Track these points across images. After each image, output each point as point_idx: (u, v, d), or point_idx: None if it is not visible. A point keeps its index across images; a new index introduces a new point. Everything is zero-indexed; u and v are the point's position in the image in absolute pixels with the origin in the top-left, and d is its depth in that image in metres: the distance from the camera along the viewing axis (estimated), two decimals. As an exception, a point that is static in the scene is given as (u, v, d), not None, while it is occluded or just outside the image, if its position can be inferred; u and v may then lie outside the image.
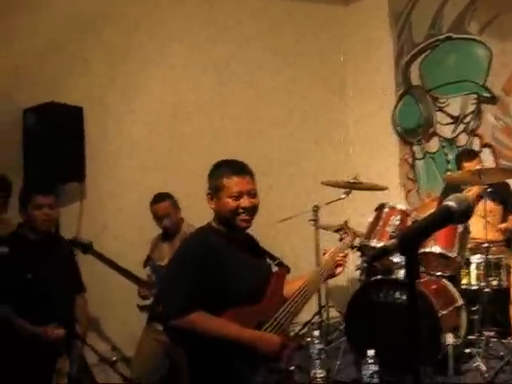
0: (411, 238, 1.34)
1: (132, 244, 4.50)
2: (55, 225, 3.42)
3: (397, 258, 4.02)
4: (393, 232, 4.12)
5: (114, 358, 3.81)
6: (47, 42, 4.47)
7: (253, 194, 2.56)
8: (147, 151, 4.97)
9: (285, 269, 2.79)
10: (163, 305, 2.60)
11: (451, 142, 5.64)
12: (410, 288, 1.31)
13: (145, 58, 4.99)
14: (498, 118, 5.28)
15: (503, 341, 4.07)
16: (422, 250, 4.05)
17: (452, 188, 4.50)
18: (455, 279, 4.25)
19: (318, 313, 4.70)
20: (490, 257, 4.08)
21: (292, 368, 2.71)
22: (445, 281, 4.15)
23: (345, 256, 2.81)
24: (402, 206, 4.36)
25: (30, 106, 4.28)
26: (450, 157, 5.59)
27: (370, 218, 4.30)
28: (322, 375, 3.27)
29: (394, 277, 4.03)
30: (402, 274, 4.01)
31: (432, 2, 5.66)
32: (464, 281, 4.26)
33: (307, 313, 4.64)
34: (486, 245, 4.05)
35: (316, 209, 4.58)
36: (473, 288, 4.21)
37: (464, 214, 1.39)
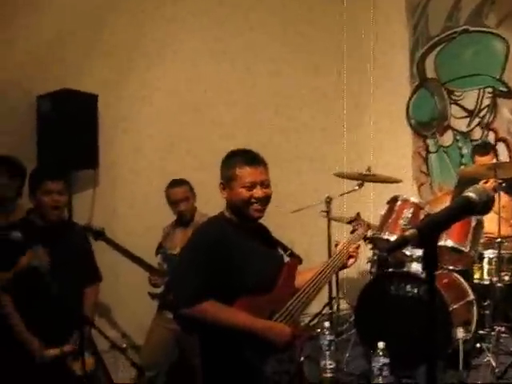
0: (430, 229, 1.32)
1: (144, 231, 4.50)
2: (64, 211, 3.38)
3: (408, 251, 4.01)
4: (405, 225, 4.09)
5: (125, 345, 3.83)
6: (61, 29, 4.46)
7: (266, 184, 2.56)
8: (161, 138, 4.96)
9: (297, 259, 2.78)
10: (174, 293, 2.61)
11: (465, 135, 5.61)
12: (430, 279, 1.30)
13: (159, 44, 4.98)
14: (513, 113, 5.23)
15: (514, 336, 4.05)
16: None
17: (466, 182, 4.46)
18: (468, 274, 4.23)
19: (329, 304, 4.70)
20: (502, 252, 4.06)
21: (301, 359, 2.72)
22: (456, 275, 4.13)
23: (357, 247, 2.81)
24: (415, 199, 4.33)
25: (43, 93, 4.28)
26: (464, 151, 5.55)
27: (383, 211, 4.28)
28: (331, 367, 3.27)
29: (405, 270, 4.01)
30: (413, 266, 4.00)
31: (449, -6, 5.61)
32: (476, 275, 4.24)
33: (318, 304, 4.64)
34: (498, 240, 4.02)
35: (329, 200, 4.56)
36: (485, 283, 4.19)
37: (485, 205, 1.37)
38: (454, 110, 5.68)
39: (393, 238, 4.12)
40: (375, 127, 6.02)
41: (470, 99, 5.54)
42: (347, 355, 4.10)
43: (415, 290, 3.85)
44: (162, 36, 4.99)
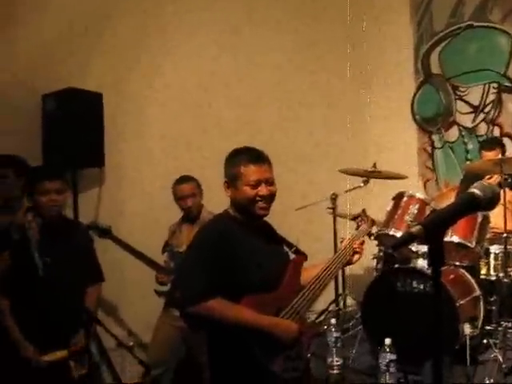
0: (436, 225, 1.32)
1: (150, 229, 4.51)
2: (65, 208, 3.37)
3: (414, 247, 4.01)
4: (411, 221, 4.09)
5: (131, 343, 3.84)
6: (65, 28, 4.47)
7: (270, 181, 2.56)
8: (166, 137, 4.97)
9: (302, 256, 2.79)
10: (180, 291, 2.61)
11: (471, 131, 5.59)
12: (436, 275, 1.30)
13: (163, 42, 4.98)
14: (518, 108, 5.22)
15: (521, 332, 4.04)
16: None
17: (472, 178, 4.45)
18: (474, 269, 4.22)
19: (335, 301, 4.70)
20: (509, 247, 4.04)
21: (308, 355, 2.72)
22: (463, 271, 4.13)
23: (362, 243, 2.81)
24: (420, 195, 4.33)
25: (49, 92, 4.29)
26: (470, 146, 5.54)
27: (388, 207, 4.28)
28: (338, 363, 3.27)
29: (411, 266, 4.01)
30: (419, 263, 4.00)
31: (453, -11, 5.59)
32: (483, 271, 4.22)
33: (324, 301, 4.64)
34: (505, 235, 4.01)
35: (334, 197, 4.56)
36: (491, 278, 4.17)
37: (490, 201, 1.37)
38: (459, 105, 5.67)
39: (398, 234, 4.11)
40: (380, 123, 6.00)
41: (474, 95, 5.53)
42: (354, 352, 4.10)
43: (421, 286, 3.85)
44: (165, 34, 4.99)
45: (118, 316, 4.63)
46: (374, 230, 4.07)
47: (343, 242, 2.82)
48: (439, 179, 5.79)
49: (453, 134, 5.74)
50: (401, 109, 5.93)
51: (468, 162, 5.31)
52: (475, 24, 5.50)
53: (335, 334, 3.30)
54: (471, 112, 5.59)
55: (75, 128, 4.22)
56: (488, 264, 4.19)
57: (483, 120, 5.49)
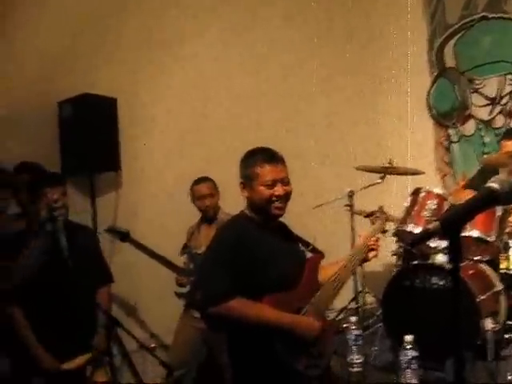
0: (454, 220, 1.32)
1: (168, 232, 4.54)
2: (68, 211, 3.38)
3: (433, 243, 3.98)
4: (429, 217, 4.06)
5: (153, 345, 3.87)
6: (77, 35, 4.52)
7: (286, 181, 2.57)
8: (181, 139, 4.98)
9: (319, 255, 2.79)
10: (201, 292, 2.62)
11: (487, 124, 5.53)
12: (455, 270, 1.29)
13: (174, 45, 4.99)
14: (535, 99, 5.16)
15: (544, 326, 4.00)
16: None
17: (489, 171, 4.41)
18: (494, 264, 4.17)
19: (354, 299, 4.68)
20: (529, 241, 4.00)
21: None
22: (483, 265, 4.08)
23: (377, 240, 2.81)
24: (438, 190, 4.28)
25: (64, 99, 4.34)
26: (487, 139, 5.48)
27: (406, 203, 4.25)
28: (359, 361, 3.27)
29: (430, 262, 3.98)
30: (438, 258, 3.97)
31: (465, -19, 5.54)
32: (503, 265, 4.18)
33: (342, 299, 4.63)
34: (525, 229, 3.97)
35: (351, 194, 4.54)
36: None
37: (509, 195, 1.36)
38: (475, 98, 5.61)
39: (417, 230, 4.08)
40: (395, 119, 5.96)
41: (490, 87, 5.47)
42: (375, 349, 4.08)
43: (441, 282, 3.82)
44: (176, 36, 5.01)
45: (138, 318, 4.66)
46: (391, 226, 4.07)
47: (359, 240, 2.83)
48: (456, 174, 5.74)
49: (469, 127, 5.68)
50: (416, 103, 5.88)
51: (485, 156, 5.25)
52: (489, 15, 5.44)
53: (356, 332, 3.29)
54: (487, 104, 5.53)
55: (91, 133, 4.27)
56: (508, 258, 4.14)
57: (500, 112, 5.43)
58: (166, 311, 4.22)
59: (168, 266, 3.88)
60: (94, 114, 4.30)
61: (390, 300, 4.01)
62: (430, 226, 1.33)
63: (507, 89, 5.37)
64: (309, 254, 2.78)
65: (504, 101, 5.39)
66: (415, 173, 4.61)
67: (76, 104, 4.28)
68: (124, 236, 3.75)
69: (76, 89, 4.28)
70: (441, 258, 3.94)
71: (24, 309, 3.08)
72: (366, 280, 4.90)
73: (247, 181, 2.56)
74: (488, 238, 3.96)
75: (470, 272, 3.99)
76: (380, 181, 4.45)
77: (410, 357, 3.17)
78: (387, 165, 4.43)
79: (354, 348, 3.26)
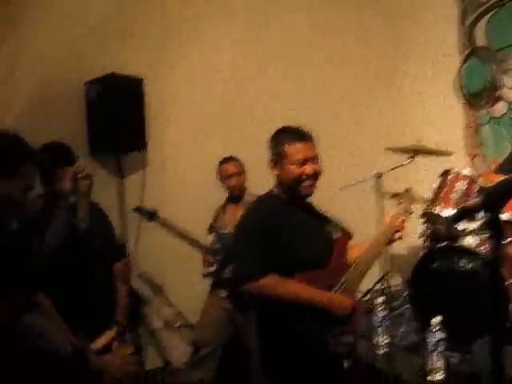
0: (497, 196, 1.29)
1: (195, 211, 4.54)
2: None
3: (462, 225, 3.93)
4: (458, 198, 4.00)
5: (179, 324, 3.90)
6: (103, 15, 4.52)
7: (315, 160, 2.55)
8: (207, 118, 4.97)
9: (347, 235, 2.78)
10: (233, 270, 2.62)
11: (518, 106, 5.42)
12: (496, 247, 1.27)
13: (201, 26, 4.97)
14: None
15: None
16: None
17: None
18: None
19: (381, 280, 4.66)
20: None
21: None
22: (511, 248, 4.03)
23: (402, 222, 2.78)
24: (467, 172, 4.22)
25: (90, 79, 4.35)
26: (518, 121, 5.37)
27: (435, 185, 4.20)
28: (385, 342, 3.26)
29: (458, 244, 3.94)
30: (467, 240, 3.92)
31: (498, -43, 5.39)
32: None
33: (368, 280, 4.60)
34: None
35: (379, 175, 4.50)
36: (543, 256, 4.06)
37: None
38: (506, 79, 5.48)
39: (445, 211, 4.03)
40: (424, 99, 5.87)
41: (523, 67, 5.34)
42: (402, 330, 4.06)
43: (469, 265, 3.78)
44: (203, 18, 4.99)
45: (165, 297, 4.69)
46: (420, 208, 4.03)
47: (385, 221, 2.81)
48: (486, 156, 5.64)
49: (499, 108, 5.57)
50: (446, 84, 5.77)
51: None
52: (522, -6, 5.29)
53: (382, 313, 3.28)
54: (519, 86, 5.41)
55: (117, 113, 4.27)
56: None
57: (532, 94, 5.31)
58: (193, 291, 4.25)
59: (195, 245, 3.90)
60: (120, 95, 4.30)
61: (418, 282, 3.99)
62: (471, 203, 1.31)
63: (539, 69, 5.25)
64: (336, 235, 2.76)
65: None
66: (444, 154, 4.55)
67: (102, 84, 4.28)
68: (151, 215, 3.78)
69: (103, 69, 4.29)
70: (469, 240, 3.90)
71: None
72: (392, 261, 4.87)
73: (277, 159, 2.55)
74: (517, 221, 3.90)
75: (500, 255, 3.93)
76: (408, 161, 4.40)
77: (437, 339, 3.15)
78: (416, 146, 4.37)
79: (379, 329, 3.26)
